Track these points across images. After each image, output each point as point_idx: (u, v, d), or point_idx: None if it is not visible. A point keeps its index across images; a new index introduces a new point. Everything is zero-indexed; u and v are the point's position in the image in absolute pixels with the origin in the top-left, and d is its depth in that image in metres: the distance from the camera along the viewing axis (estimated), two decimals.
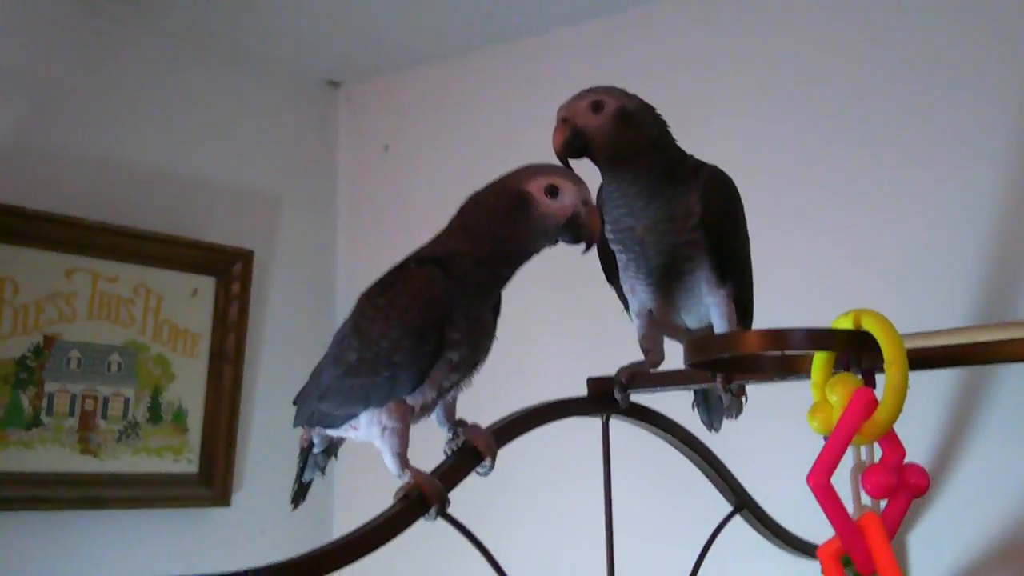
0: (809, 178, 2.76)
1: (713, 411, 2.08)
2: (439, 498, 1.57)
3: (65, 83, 2.93)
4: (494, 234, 1.61)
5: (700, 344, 1.58)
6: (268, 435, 3.19)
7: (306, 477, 1.80)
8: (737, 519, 2.21)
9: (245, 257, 3.16)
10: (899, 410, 1.45)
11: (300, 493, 1.81)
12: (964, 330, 2.06)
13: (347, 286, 3.53)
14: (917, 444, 2.44)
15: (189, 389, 3.05)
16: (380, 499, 1.61)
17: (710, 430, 2.12)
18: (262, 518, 3.16)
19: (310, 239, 3.52)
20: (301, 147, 3.57)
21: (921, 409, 2.44)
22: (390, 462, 1.61)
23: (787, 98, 2.83)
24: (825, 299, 2.62)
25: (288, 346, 3.31)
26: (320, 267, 3.55)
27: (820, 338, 1.51)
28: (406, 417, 1.62)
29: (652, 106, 1.85)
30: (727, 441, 2.16)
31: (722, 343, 1.59)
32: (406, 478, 1.59)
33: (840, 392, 1.49)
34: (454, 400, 1.71)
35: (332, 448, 1.80)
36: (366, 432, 1.65)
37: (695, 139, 2.81)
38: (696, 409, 2.11)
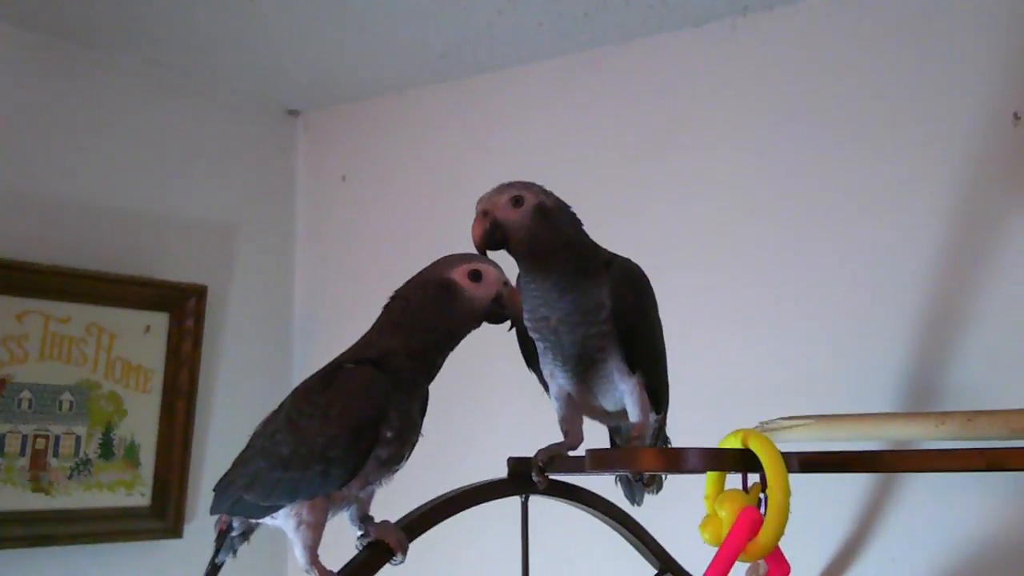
0: (740, 238, 2.82)
1: (635, 487, 2.12)
2: None
3: (9, 122, 2.94)
4: (426, 324, 1.69)
5: (599, 458, 1.64)
6: (220, 467, 3.12)
7: (219, 559, 1.85)
8: None
9: (199, 292, 3.20)
10: (781, 532, 1.51)
11: (212, 574, 1.85)
12: (870, 417, 2.11)
13: (304, 318, 3.58)
14: (843, 499, 2.52)
15: (142, 424, 3.09)
16: (340, 541, 1.72)
17: (632, 504, 2.16)
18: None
19: (267, 271, 3.55)
20: (259, 177, 3.59)
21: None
22: (300, 554, 1.66)
23: (724, 150, 2.88)
24: (751, 374, 2.69)
25: (242, 378, 3.36)
26: (276, 299, 3.58)
27: (711, 458, 1.56)
28: (324, 513, 1.68)
29: (568, 204, 1.90)
30: (648, 508, 2.21)
31: (620, 459, 1.65)
32: (313, 574, 1.64)
33: (728, 508, 1.55)
34: (369, 497, 1.76)
35: (248, 532, 1.84)
36: (283, 523, 1.70)
37: (626, 188, 2.88)
38: (618, 484, 2.16)
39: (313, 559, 1.65)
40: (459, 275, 1.70)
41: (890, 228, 2.60)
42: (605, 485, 2.17)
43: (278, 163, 3.64)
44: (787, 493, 1.50)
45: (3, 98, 2.94)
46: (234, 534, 1.81)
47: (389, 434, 1.64)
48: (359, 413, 1.62)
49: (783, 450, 1.68)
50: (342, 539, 1.76)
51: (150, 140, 3.26)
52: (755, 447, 1.54)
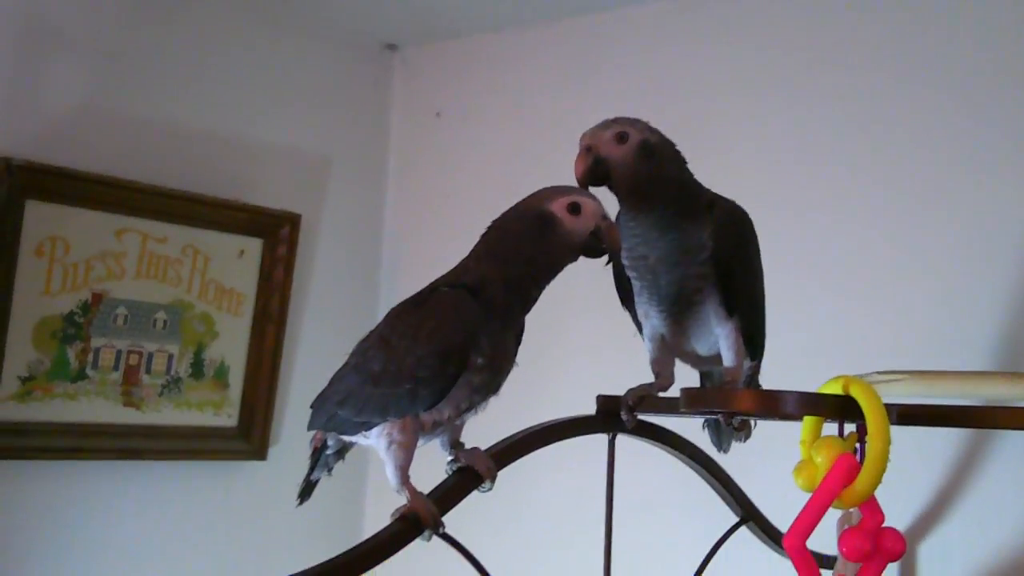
0: (827, 206, 2.78)
1: (723, 433, 2.12)
2: (433, 522, 1.65)
3: (120, 46, 2.98)
4: (523, 255, 1.69)
5: (694, 396, 1.64)
6: (306, 393, 3.16)
7: (314, 476, 1.88)
8: (745, 533, 2.26)
9: (292, 220, 3.23)
10: (878, 480, 1.50)
11: (307, 491, 1.89)
12: (967, 375, 2.07)
13: (392, 251, 3.60)
14: (935, 455, 2.50)
15: (232, 346, 3.15)
16: (430, 465, 1.75)
17: (719, 451, 2.16)
18: (297, 472, 3.21)
19: (358, 203, 3.58)
20: (354, 110, 3.61)
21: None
22: (391, 474, 1.68)
23: (832, 103, 2.82)
24: (848, 328, 2.67)
25: (331, 308, 3.41)
26: (367, 231, 3.61)
27: (810, 403, 1.55)
28: (416, 434, 1.69)
29: (673, 142, 1.88)
30: (735, 456, 2.20)
31: (715, 399, 1.65)
32: (404, 494, 1.66)
33: (824, 455, 1.54)
34: (462, 424, 1.78)
35: (343, 450, 1.87)
36: (375, 442, 1.72)
37: (721, 138, 2.85)
38: (706, 430, 2.15)
39: (404, 480, 1.67)
40: (558, 207, 1.69)
41: (996, 185, 2.54)
42: (692, 430, 2.17)
43: (374, 97, 3.65)
44: (887, 441, 1.48)
45: (113, 24, 2.98)
46: (329, 452, 1.85)
47: (480, 360, 1.65)
48: (448, 336, 1.63)
49: None
50: (434, 465, 1.78)
51: (250, 69, 3.30)
52: (857, 394, 1.52)
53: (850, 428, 1.65)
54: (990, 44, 2.60)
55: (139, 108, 3.01)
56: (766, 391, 1.55)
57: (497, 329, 1.68)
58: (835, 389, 1.56)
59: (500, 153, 3.41)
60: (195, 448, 3.08)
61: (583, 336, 3.09)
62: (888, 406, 1.62)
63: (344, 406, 1.72)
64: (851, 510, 1.58)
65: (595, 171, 1.84)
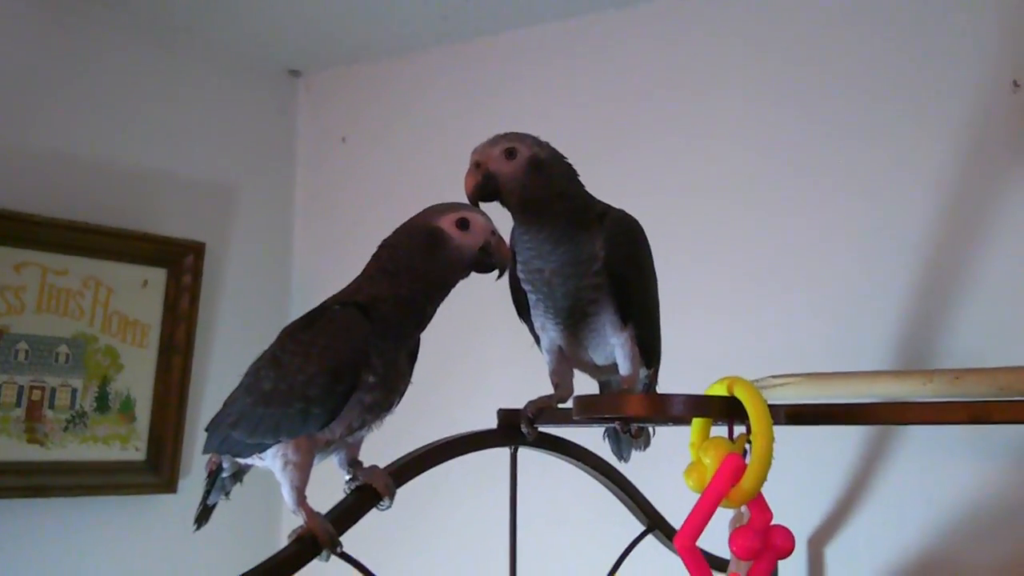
0: (739, 204, 2.82)
1: (623, 442, 2.14)
2: (330, 542, 1.64)
3: (15, 76, 2.95)
4: (414, 271, 1.69)
5: (586, 403, 1.65)
6: None
7: (211, 500, 1.86)
8: (651, 542, 2.28)
9: (196, 249, 3.21)
10: (763, 478, 1.52)
11: (204, 515, 1.86)
12: (858, 375, 2.11)
13: (302, 277, 3.59)
14: (839, 458, 2.54)
15: (138, 379, 3.10)
16: (329, 485, 1.75)
17: (620, 460, 2.18)
18: None
19: (265, 230, 3.57)
20: (259, 137, 3.60)
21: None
22: (287, 495, 1.67)
23: (726, 119, 2.88)
24: (744, 336, 2.72)
25: (239, 336, 3.37)
26: (275, 258, 3.59)
27: (697, 405, 1.57)
28: (310, 454, 1.68)
29: (563, 156, 1.89)
30: (642, 465, 2.22)
31: (606, 405, 1.66)
32: (300, 515, 1.65)
33: (712, 455, 1.56)
34: (358, 442, 1.78)
35: (239, 473, 1.86)
36: (271, 463, 1.71)
37: (623, 152, 2.89)
38: (606, 440, 2.17)
39: (300, 500, 1.66)
40: (446, 223, 1.71)
41: (885, 196, 2.62)
42: (596, 441, 2.19)
43: (279, 123, 3.65)
44: (770, 439, 1.51)
45: (7, 53, 2.94)
46: (224, 475, 1.83)
47: (372, 379, 1.65)
48: (338, 354, 1.63)
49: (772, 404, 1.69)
50: (332, 483, 1.77)
51: (152, 97, 3.28)
52: (740, 393, 1.55)
53: (740, 431, 1.67)
54: (892, 60, 2.68)
55: (37, 139, 2.97)
56: (654, 395, 1.58)
57: (390, 347, 1.68)
58: (721, 391, 1.59)
59: (407, 176, 3.42)
60: (103, 483, 3.02)
61: (486, 351, 3.10)
62: (776, 407, 1.65)
63: (237, 427, 1.71)
64: (741, 509, 1.60)
65: (485, 187, 1.85)
